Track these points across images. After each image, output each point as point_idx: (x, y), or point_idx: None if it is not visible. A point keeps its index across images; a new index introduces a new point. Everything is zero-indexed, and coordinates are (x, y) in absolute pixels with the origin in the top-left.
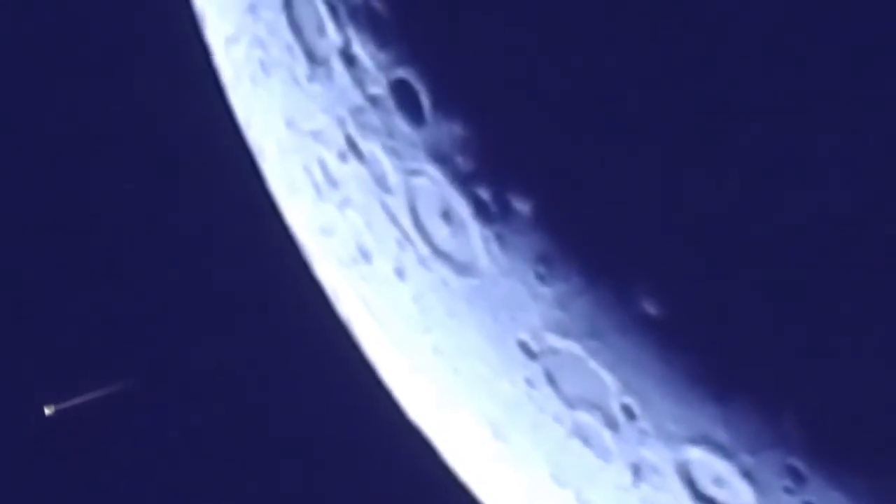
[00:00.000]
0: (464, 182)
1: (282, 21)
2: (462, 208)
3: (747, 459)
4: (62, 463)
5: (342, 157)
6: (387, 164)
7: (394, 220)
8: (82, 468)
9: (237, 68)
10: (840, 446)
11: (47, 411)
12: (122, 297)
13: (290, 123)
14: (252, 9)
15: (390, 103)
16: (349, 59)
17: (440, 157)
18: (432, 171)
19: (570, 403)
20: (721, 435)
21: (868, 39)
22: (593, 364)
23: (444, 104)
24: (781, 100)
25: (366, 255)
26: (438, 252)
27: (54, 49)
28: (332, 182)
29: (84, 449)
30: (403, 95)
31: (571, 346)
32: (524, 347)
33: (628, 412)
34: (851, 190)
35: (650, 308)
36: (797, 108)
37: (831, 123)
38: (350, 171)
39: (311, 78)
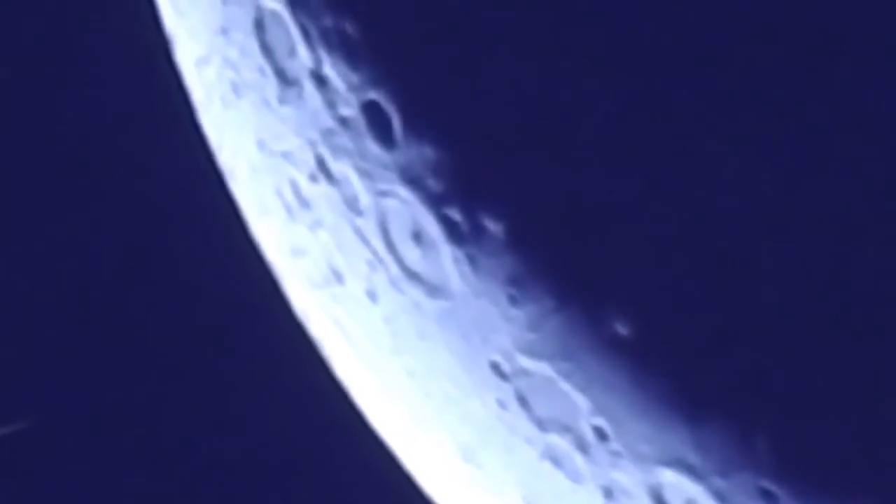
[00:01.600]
0: (435, 203)
1: (253, 42)
2: (433, 230)
3: (719, 482)
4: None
5: (313, 178)
6: (358, 185)
7: (365, 241)
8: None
9: (208, 89)
10: (812, 468)
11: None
12: (88, 316)
13: (261, 145)
14: (223, 30)
15: (362, 125)
16: (320, 80)
17: (412, 179)
18: (404, 192)
19: (542, 425)
20: (693, 457)
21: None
22: (565, 386)
23: (415, 126)
24: (756, 122)
25: (337, 277)
26: (410, 273)
27: (21, 69)
28: (304, 203)
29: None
30: (375, 117)
31: (543, 368)
32: (496, 369)
33: (600, 434)
34: (827, 211)
35: (622, 329)
36: (766, 129)
37: (805, 147)
38: (321, 192)
39: (282, 99)
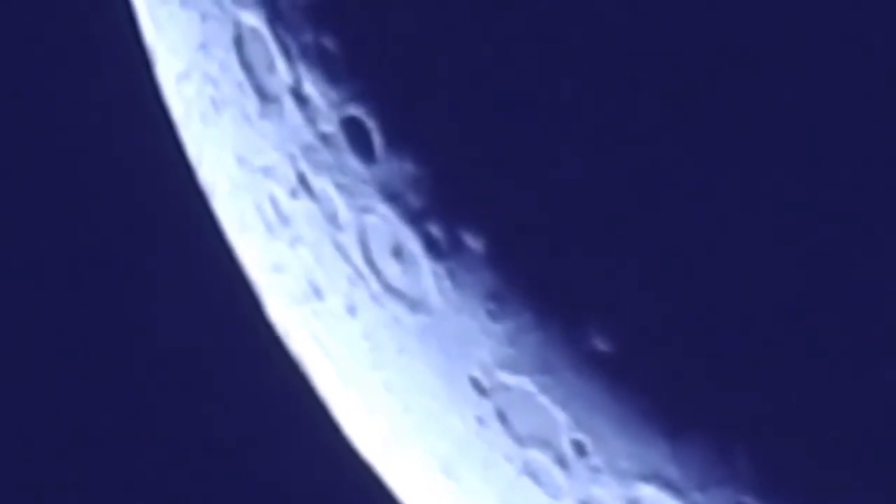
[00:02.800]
0: (415, 219)
1: (233, 58)
2: (413, 245)
3: (698, 497)
4: None
5: (293, 194)
6: (338, 201)
7: (345, 256)
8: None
9: (188, 105)
10: (791, 484)
11: None
12: (65, 332)
13: (241, 160)
14: (203, 46)
15: (341, 141)
16: (300, 96)
17: (392, 195)
18: (384, 208)
19: (521, 441)
20: (672, 472)
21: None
22: (544, 400)
23: (395, 141)
24: (740, 138)
25: (317, 292)
26: (390, 289)
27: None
28: (284, 219)
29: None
30: (355, 133)
31: (522, 383)
32: (475, 384)
33: (579, 449)
34: (806, 230)
35: (601, 345)
36: (749, 144)
37: (790, 167)
38: (301, 208)
39: (262, 115)
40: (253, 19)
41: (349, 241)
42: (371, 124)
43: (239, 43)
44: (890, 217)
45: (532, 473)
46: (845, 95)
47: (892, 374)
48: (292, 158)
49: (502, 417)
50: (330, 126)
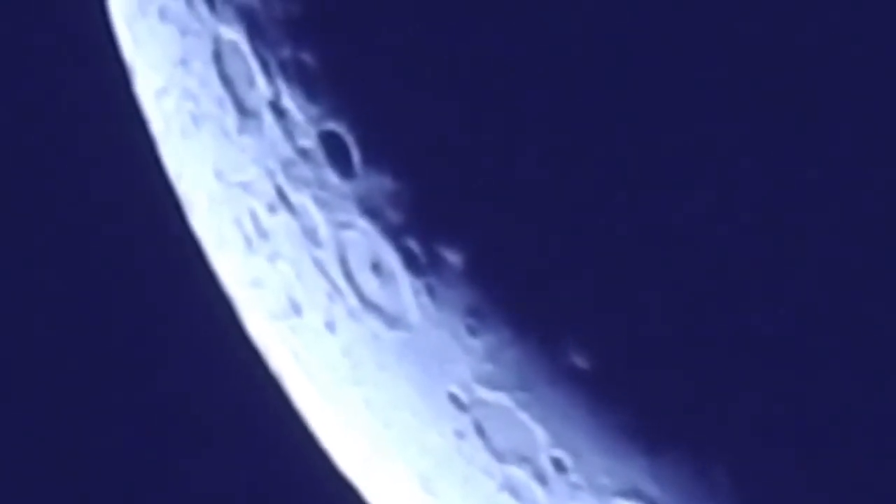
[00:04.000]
0: (394, 234)
1: (212, 73)
2: (392, 260)
3: None
4: None
5: (272, 209)
6: (317, 216)
7: (324, 272)
8: None
9: (167, 120)
10: (770, 501)
11: None
12: (41, 344)
13: (220, 175)
14: (183, 61)
15: (320, 156)
16: (279, 111)
17: (370, 210)
18: (363, 223)
19: (500, 457)
20: (652, 489)
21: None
22: (523, 417)
23: (374, 156)
24: (712, 160)
25: (296, 308)
26: (369, 304)
27: None
28: (263, 234)
29: None
30: (334, 148)
31: (501, 399)
32: (454, 400)
33: (558, 465)
34: (781, 248)
35: (580, 361)
36: (723, 165)
37: (762, 190)
38: (280, 223)
39: (241, 130)
40: (232, 34)
41: (328, 256)
42: (350, 139)
43: (218, 58)
44: (869, 238)
45: (511, 489)
46: (822, 102)
47: (869, 391)
48: (271, 173)
49: (481, 433)
50: (309, 141)
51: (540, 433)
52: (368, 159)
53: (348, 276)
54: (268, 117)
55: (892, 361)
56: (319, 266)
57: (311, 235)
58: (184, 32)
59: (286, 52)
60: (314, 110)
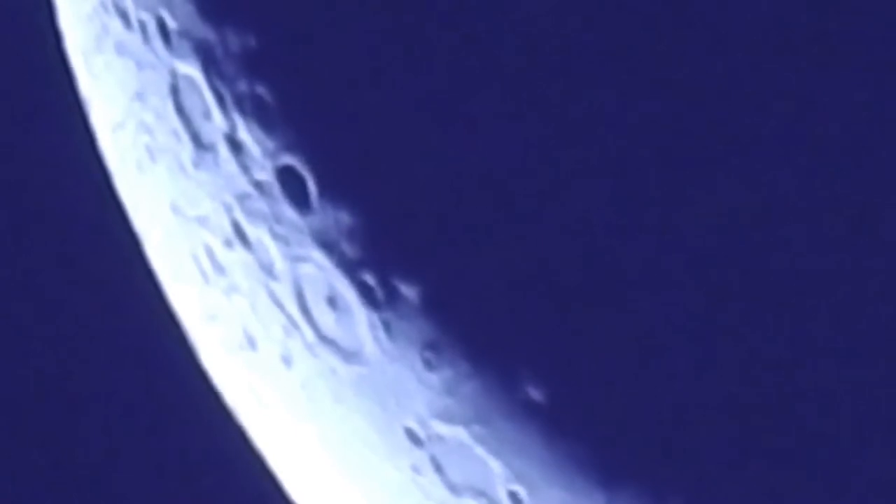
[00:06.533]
0: (351, 268)
1: (168, 107)
2: (349, 295)
3: None
4: None
5: (228, 243)
6: (273, 250)
7: (280, 306)
8: None
9: (123, 154)
10: None
11: None
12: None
13: (176, 209)
14: (139, 95)
15: (277, 189)
16: (235, 145)
17: (327, 244)
18: (319, 257)
19: (456, 490)
20: None
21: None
22: (480, 450)
23: (330, 191)
24: (660, 178)
25: (252, 342)
26: (325, 339)
27: None
28: (219, 269)
29: None
30: (290, 182)
31: (458, 433)
32: (411, 435)
33: (515, 499)
34: (733, 279)
35: (536, 394)
36: (680, 187)
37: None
38: (236, 257)
39: (197, 164)
40: (188, 68)
41: (284, 290)
42: (306, 173)
43: (175, 92)
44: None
45: None
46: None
47: (830, 427)
48: (228, 208)
49: (438, 467)
50: (265, 175)
51: (497, 467)
52: (325, 193)
53: (305, 310)
54: (224, 151)
55: (856, 392)
56: (276, 300)
57: (267, 269)
58: (140, 66)
59: (242, 86)
60: (270, 144)
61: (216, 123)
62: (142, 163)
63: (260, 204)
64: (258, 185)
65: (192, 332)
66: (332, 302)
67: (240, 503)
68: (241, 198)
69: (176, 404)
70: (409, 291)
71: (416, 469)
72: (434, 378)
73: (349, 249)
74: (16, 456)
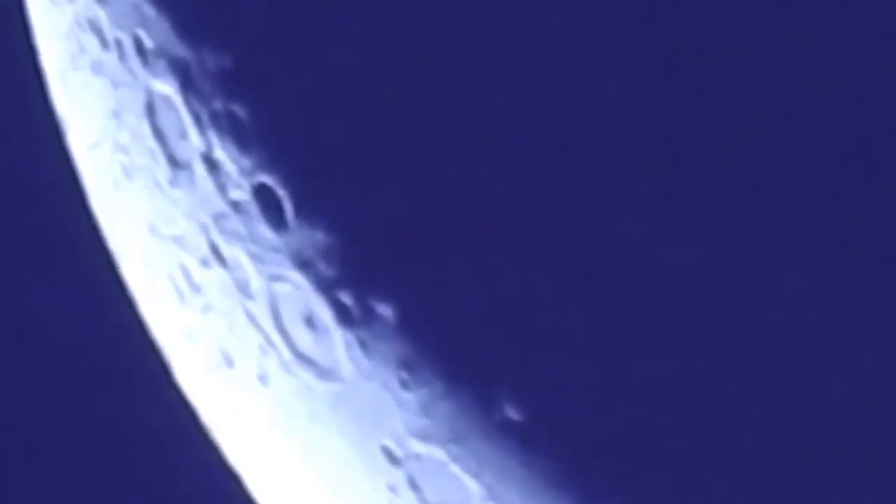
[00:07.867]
0: (327, 287)
1: (144, 126)
2: (325, 314)
3: None
4: None
5: (205, 262)
6: (250, 269)
7: (257, 325)
8: None
9: (99, 173)
10: None
11: None
12: None
13: (152, 229)
14: (115, 114)
15: (253, 208)
16: (211, 163)
17: (303, 263)
18: (295, 276)
19: None
20: None
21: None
22: (456, 469)
23: (306, 209)
24: (633, 193)
25: (228, 361)
26: (301, 357)
27: None
28: (195, 287)
29: None
30: (266, 200)
31: (434, 452)
32: (387, 453)
33: None
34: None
35: (513, 413)
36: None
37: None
38: (213, 276)
39: (173, 183)
40: (164, 87)
41: (260, 309)
42: (282, 192)
43: (151, 110)
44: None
45: None
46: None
47: (809, 446)
48: (204, 227)
49: (415, 486)
50: (241, 193)
51: (474, 486)
52: (301, 212)
53: (281, 328)
54: (200, 169)
55: (855, 394)
56: (252, 319)
57: (243, 288)
58: (116, 85)
59: (218, 105)
60: (247, 162)
61: (192, 142)
62: (118, 182)
63: (236, 223)
64: (234, 205)
65: (168, 351)
66: (309, 321)
67: None
68: (218, 217)
69: (153, 423)
70: (385, 311)
71: (392, 488)
72: (410, 397)
73: (325, 268)
74: None
